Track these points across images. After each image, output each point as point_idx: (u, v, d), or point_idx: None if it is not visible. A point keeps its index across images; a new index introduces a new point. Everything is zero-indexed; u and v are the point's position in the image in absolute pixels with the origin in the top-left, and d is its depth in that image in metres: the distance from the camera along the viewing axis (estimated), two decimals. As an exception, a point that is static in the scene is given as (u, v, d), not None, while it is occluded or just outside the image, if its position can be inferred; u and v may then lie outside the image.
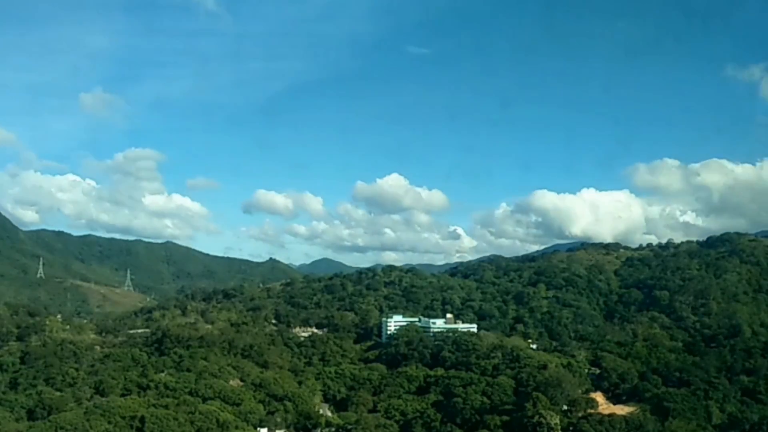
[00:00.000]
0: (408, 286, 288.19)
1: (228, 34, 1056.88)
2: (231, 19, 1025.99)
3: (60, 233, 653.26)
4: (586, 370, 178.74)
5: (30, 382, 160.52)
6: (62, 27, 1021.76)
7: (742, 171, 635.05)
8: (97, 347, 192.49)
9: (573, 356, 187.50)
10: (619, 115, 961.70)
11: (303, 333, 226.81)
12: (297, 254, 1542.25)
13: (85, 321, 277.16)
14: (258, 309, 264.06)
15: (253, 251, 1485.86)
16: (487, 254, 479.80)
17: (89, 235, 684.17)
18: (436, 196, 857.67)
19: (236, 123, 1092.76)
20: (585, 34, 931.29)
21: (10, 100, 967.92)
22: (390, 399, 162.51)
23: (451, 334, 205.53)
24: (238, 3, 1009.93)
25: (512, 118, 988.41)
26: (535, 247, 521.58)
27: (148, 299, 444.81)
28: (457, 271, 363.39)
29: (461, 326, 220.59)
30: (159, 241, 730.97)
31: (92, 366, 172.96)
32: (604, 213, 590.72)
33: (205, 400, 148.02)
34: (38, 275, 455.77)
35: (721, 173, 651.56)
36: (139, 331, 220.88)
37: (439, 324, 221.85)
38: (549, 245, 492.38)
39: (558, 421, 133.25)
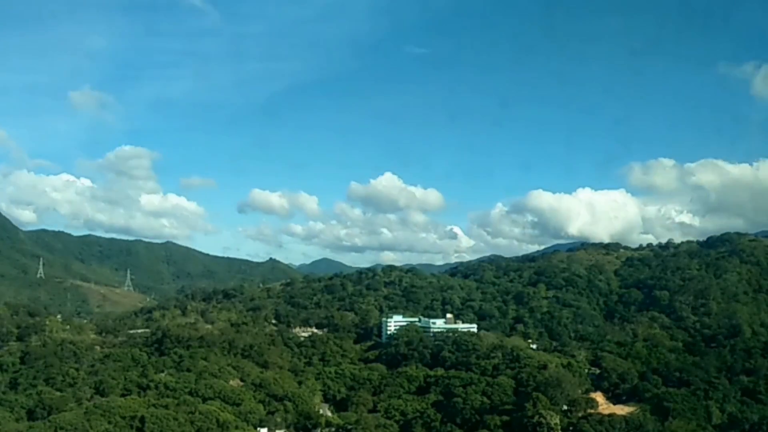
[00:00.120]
0: (408, 286, 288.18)
1: (227, 35, 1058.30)
2: (230, 20, 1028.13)
3: (60, 233, 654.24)
4: (586, 370, 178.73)
5: (30, 382, 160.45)
6: (62, 27, 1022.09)
7: (738, 171, 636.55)
8: (97, 347, 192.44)
9: (573, 356, 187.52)
10: (614, 115, 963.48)
11: (303, 333, 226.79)
12: (297, 254, 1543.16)
13: (85, 321, 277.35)
14: (258, 309, 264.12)
15: (251, 251, 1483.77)
16: (485, 254, 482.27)
17: (89, 235, 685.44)
18: (433, 196, 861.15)
19: (235, 123, 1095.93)
20: (584, 34, 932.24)
21: (10, 100, 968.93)
22: (390, 399, 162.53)
23: (451, 334, 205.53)
24: (238, 3, 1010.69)
25: (510, 118, 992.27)
26: (532, 247, 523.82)
27: (148, 299, 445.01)
28: (457, 271, 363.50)
29: (461, 326, 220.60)
30: (159, 241, 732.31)
31: (92, 366, 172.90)
32: (600, 213, 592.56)
33: (205, 400, 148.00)
34: (38, 275, 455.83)
35: (717, 173, 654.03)
36: (139, 331, 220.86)
37: (439, 324, 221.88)
38: (548, 245, 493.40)
39: (558, 421, 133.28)
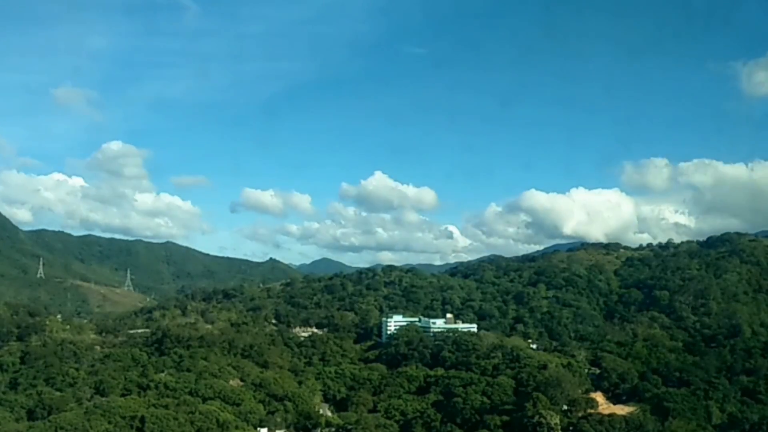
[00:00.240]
0: (408, 286, 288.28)
1: (227, 35, 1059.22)
2: (230, 20, 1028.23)
3: (60, 233, 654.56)
4: (586, 370, 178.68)
5: (30, 382, 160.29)
6: (62, 27, 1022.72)
7: (733, 171, 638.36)
8: (97, 347, 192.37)
9: (573, 356, 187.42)
10: (608, 114, 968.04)
11: (303, 333, 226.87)
12: (297, 254, 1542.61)
13: (85, 321, 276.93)
14: (258, 309, 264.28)
15: (248, 251, 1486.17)
16: (482, 254, 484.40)
17: (89, 235, 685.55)
18: (429, 196, 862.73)
19: (234, 123, 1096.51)
20: (583, 34, 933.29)
21: (9, 100, 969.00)
22: (390, 399, 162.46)
23: (451, 334, 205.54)
24: (237, 4, 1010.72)
25: (506, 119, 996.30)
26: (528, 247, 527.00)
27: (148, 299, 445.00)
28: (457, 271, 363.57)
29: (461, 326, 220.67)
30: (159, 241, 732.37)
31: (92, 366, 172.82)
32: (595, 212, 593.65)
33: (205, 400, 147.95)
34: (38, 275, 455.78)
35: (711, 173, 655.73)
36: (139, 331, 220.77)
37: (439, 324, 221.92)
38: (547, 246, 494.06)
39: (558, 421, 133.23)
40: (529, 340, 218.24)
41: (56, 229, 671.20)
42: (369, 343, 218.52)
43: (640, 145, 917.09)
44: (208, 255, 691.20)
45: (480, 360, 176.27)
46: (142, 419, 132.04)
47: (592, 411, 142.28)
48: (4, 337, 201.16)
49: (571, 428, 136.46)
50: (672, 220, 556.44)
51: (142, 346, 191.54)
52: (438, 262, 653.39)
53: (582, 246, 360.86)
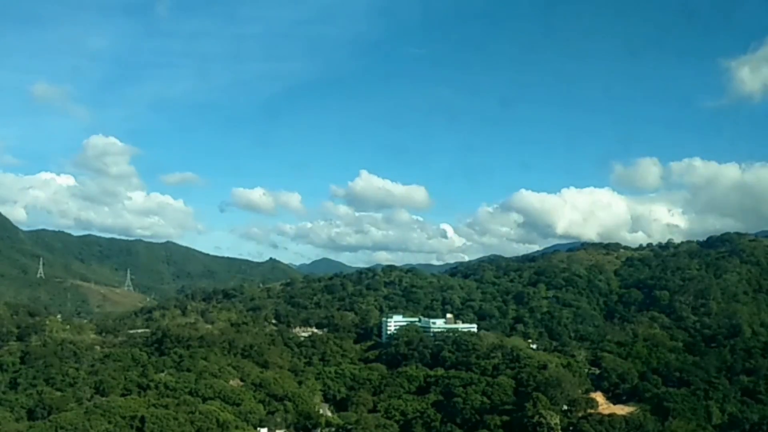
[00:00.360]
0: (408, 286, 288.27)
1: (227, 35, 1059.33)
2: (230, 21, 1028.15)
3: (60, 233, 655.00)
4: (586, 370, 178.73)
5: (30, 382, 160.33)
6: (62, 28, 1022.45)
7: (725, 171, 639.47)
8: (97, 347, 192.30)
9: (573, 356, 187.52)
10: (601, 114, 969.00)
11: (303, 333, 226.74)
12: (296, 254, 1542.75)
13: (85, 321, 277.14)
14: (258, 309, 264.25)
15: (244, 251, 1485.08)
16: (478, 253, 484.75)
17: (89, 235, 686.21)
18: (423, 195, 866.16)
19: (233, 123, 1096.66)
20: (582, 34, 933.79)
21: (9, 100, 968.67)
22: (390, 399, 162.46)
23: (451, 334, 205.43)
24: (237, 4, 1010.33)
25: (503, 118, 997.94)
26: (522, 246, 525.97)
27: (148, 299, 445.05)
28: (457, 271, 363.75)
29: (461, 326, 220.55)
30: (159, 241, 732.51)
31: (92, 366, 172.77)
32: (587, 211, 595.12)
33: (205, 400, 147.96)
34: (38, 275, 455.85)
35: (703, 172, 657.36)
36: (139, 331, 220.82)
37: (439, 324, 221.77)
38: (542, 245, 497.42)
39: (558, 421, 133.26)
40: (529, 340, 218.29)
41: (56, 229, 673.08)
42: (369, 343, 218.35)
43: (631, 145, 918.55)
44: (208, 255, 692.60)
45: (480, 360, 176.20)
46: (142, 419, 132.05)
47: (592, 411, 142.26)
48: (4, 337, 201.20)
49: (571, 428, 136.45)
50: (664, 221, 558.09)
51: (142, 346, 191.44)
52: (435, 262, 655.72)
53: (582, 246, 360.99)
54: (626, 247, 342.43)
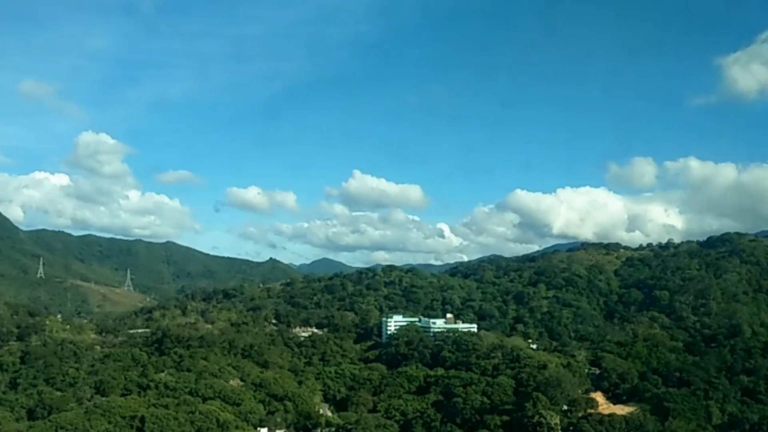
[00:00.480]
0: (408, 286, 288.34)
1: (227, 36, 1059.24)
2: (230, 21, 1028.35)
3: (60, 233, 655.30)
4: (586, 370, 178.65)
5: (30, 382, 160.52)
6: (62, 28, 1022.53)
7: (723, 171, 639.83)
8: (97, 347, 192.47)
9: (573, 356, 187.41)
10: (598, 114, 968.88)
11: (303, 333, 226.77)
12: (296, 254, 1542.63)
13: (85, 321, 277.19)
14: (258, 309, 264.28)
15: (242, 250, 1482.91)
16: (476, 253, 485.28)
17: (89, 235, 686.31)
18: (421, 195, 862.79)
19: (233, 123, 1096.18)
20: (580, 34, 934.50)
21: (8, 100, 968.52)
22: (390, 399, 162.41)
23: (451, 334, 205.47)
24: (237, 4, 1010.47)
25: (502, 119, 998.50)
26: (520, 246, 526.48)
27: (148, 299, 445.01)
28: (457, 271, 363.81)
29: (461, 326, 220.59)
30: (159, 240, 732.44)
31: (92, 366, 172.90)
32: (583, 211, 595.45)
33: (205, 400, 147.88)
34: (38, 275, 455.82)
35: (699, 172, 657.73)
36: (139, 331, 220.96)
37: (439, 324, 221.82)
38: (540, 244, 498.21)
39: (558, 421, 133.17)
40: (529, 340, 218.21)
41: (56, 229, 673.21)
42: (369, 343, 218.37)
43: (627, 144, 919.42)
44: (208, 255, 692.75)
45: (480, 360, 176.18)
46: (142, 419, 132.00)
47: (592, 411, 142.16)
48: (4, 337, 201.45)
49: (571, 428, 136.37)
50: (661, 221, 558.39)
51: (142, 346, 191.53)
52: (435, 262, 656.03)
53: (582, 246, 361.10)
54: (626, 247, 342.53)
